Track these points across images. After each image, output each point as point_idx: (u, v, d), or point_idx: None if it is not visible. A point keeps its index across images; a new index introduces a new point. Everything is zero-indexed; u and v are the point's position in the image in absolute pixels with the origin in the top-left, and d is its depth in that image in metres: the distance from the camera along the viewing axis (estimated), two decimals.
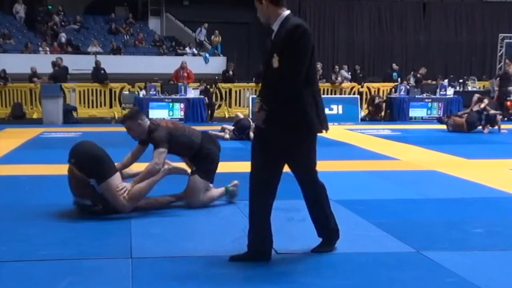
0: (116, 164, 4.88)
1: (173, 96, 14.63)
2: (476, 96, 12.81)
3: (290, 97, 3.39)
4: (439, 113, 15.18)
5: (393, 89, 16.43)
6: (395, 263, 3.59)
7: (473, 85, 19.38)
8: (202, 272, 3.41)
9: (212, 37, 22.75)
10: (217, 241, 3.99)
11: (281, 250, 3.80)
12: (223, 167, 7.09)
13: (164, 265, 3.51)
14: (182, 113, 14.47)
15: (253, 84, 17.35)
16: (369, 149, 9.20)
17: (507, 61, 17.74)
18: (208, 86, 15.84)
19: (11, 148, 9.26)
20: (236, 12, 24.17)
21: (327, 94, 17.40)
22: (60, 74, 16.13)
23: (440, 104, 15.36)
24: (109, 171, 4.59)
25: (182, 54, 21.68)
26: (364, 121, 15.28)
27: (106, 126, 13.84)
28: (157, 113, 14.39)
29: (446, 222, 4.58)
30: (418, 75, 18.75)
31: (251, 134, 9.26)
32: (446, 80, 17.95)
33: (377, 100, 15.98)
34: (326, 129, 3.64)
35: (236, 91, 17.18)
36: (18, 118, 15.68)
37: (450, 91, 15.99)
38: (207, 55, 21.11)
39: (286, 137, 3.46)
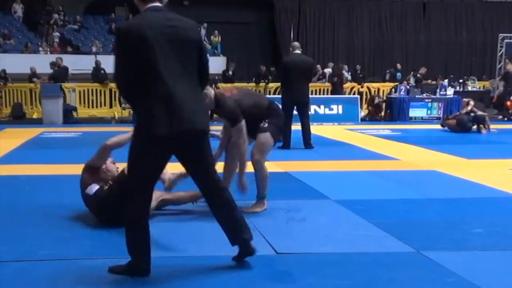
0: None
1: None
2: (464, 100, 12.94)
3: (131, 97, 3.32)
4: (439, 113, 15.18)
5: (393, 89, 16.44)
6: (395, 263, 3.58)
7: (473, 85, 19.40)
8: (202, 272, 3.41)
9: (212, 37, 22.75)
10: (217, 241, 3.99)
11: (281, 250, 3.80)
12: (220, 167, 7.10)
13: (164, 265, 3.50)
14: None
15: (253, 84, 17.36)
16: (369, 149, 9.20)
17: (507, 60, 17.75)
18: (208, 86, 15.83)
19: (11, 148, 9.26)
20: (236, 12, 24.17)
21: (327, 94, 17.41)
22: (60, 74, 16.14)
23: (440, 104, 15.36)
24: None
25: None
26: (364, 121, 15.28)
27: (106, 126, 13.84)
28: None
29: (446, 222, 4.58)
30: (418, 75, 18.77)
31: None
32: (446, 80, 17.95)
33: (377, 100, 15.99)
34: (179, 131, 3.18)
35: None
36: (18, 118, 15.69)
37: (450, 91, 15.98)
38: (207, 55, 21.09)
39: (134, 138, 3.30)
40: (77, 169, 7.04)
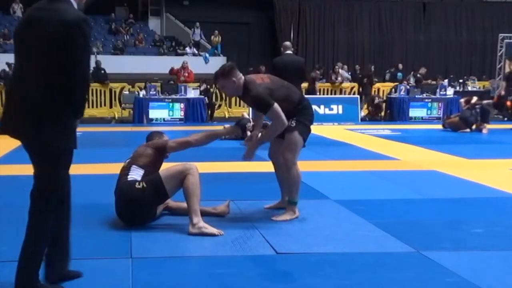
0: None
1: (173, 96, 14.63)
2: (461, 101, 12.97)
3: None
4: (439, 113, 15.19)
5: (393, 89, 16.45)
6: (395, 263, 3.59)
7: (473, 85, 19.40)
8: (202, 272, 3.41)
9: (212, 37, 22.75)
10: (217, 241, 3.99)
11: (281, 250, 3.80)
12: (220, 167, 7.11)
13: (164, 265, 3.51)
14: (182, 113, 14.48)
15: None
16: (369, 149, 9.20)
17: (507, 61, 17.75)
18: (208, 86, 15.85)
19: (11, 148, 9.25)
20: (236, 12, 24.19)
21: (327, 94, 17.41)
22: None
23: (440, 104, 15.37)
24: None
25: (182, 54, 21.69)
26: (364, 121, 15.29)
27: (106, 126, 13.85)
28: (157, 113, 14.41)
29: (446, 222, 4.58)
30: (418, 75, 18.77)
31: (248, 133, 9.29)
32: (446, 80, 17.96)
33: (377, 100, 15.99)
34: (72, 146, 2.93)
35: None
36: None
37: (450, 91, 16.00)
38: (207, 55, 21.11)
39: None
40: (77, 169, 7.05)
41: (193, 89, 15.30)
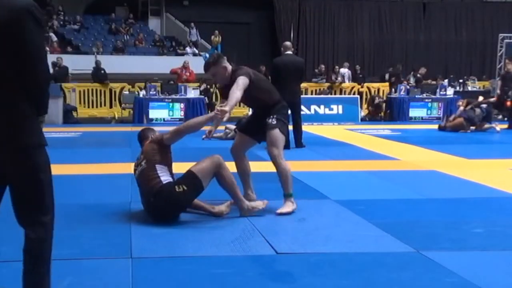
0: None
1: (173, 96, 14.63)
2: (459, 104, 12.99)
3: None
4: (439, 113, 15.19)
5: (393, 89, 16.45)
6: (395, 263, 3.59)
7: (473, 85, 19.39)
8: (202, 272, 3.41)
9: (212, 37, 22.74)
10: (217, 241, 3.99)
11: (281, 250, 3.80)
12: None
13: (164, 265, 3.51)
14: (182, 113, 14.48)
15: None
16: (369, 149, 9.20)
17: (507, 60, 17.71)
18: (208, 86, 15.85)
19: None
20: (236, 12, 24.18)
21: (327, 94, 17.41)
22: (60, 74, 16.15)
23: (440, 104, 15.37)
24: None
25: (182, 54, 21.69)
26: (364, 121, 15.29)
27: (106, 126, 13.85)
28: (157, 113, 14.41)
29: (446, 222, 4.58)
30: (418, 75, 18.77)
31: None
32: (446, 80, 17.95)
33: (377, 100, 16.00)
34: None
35: None
36: None
37: (450, 91, 16.01)
38: (207, 55, 21.11)
39: None
40: (77, 169, 7.06)
41: (193, 89, 15.30)
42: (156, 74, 18.41)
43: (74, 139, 11.00)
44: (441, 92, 15.60)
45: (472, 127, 11.90)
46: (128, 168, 5.71)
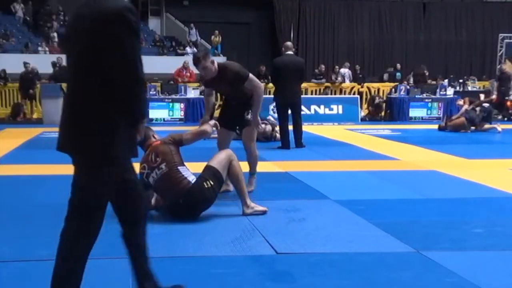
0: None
1: (173, 96, 14.64)
2: (459, 103, 12.98)
3: None
4: (439, 113, 15.19)
5: (393, 89, 16.46)
6: (395, 263, 3.58)
7: (473, 85, 19.39)
8: (202, 272, 3.41)
9: (212, 37, 22.75)
10: (217, 241, 3.99)
11: (281, 250, 3.80)
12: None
13: (164, 265, 3.50)
14: (182, 113, 14.48)
15: None
16: (369, 149, 9.20)
17: (506, 61, 17.75)
18: None
19: (11, 148, 9.26)
20: (236, 12, 24.18)
21: (327, 94, 17.41)
22: (60, 74, 16.14)
23: (440, 104, 15.37)
24: None
25: (182, 54, 21.69)
26: (364, 121, 15.29)
27: None
28: (157, 113, 14.41)
29: (446, 222, 4.58)
30: (425, 72, 18.81)
31: (278, 135, 9.49)
32: (446, 80, 17.95)
33: (377, 100, 16.00)
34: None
35: None
36: (18, 117, 15.69)
37: (450, 91, 16.01)
38: None
39: None
40: None
41: (193, 89, 15.30)
42: (156, 74, 18.39)
43: None
44: (441, 92, 15.60)
45: (473, 128, 11.90)
46: None
